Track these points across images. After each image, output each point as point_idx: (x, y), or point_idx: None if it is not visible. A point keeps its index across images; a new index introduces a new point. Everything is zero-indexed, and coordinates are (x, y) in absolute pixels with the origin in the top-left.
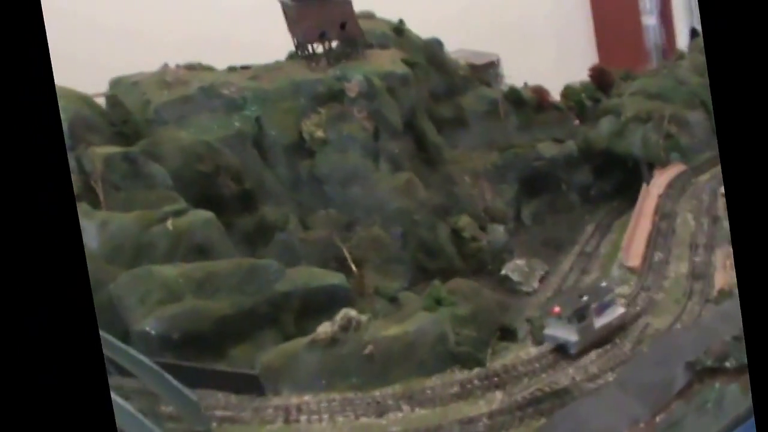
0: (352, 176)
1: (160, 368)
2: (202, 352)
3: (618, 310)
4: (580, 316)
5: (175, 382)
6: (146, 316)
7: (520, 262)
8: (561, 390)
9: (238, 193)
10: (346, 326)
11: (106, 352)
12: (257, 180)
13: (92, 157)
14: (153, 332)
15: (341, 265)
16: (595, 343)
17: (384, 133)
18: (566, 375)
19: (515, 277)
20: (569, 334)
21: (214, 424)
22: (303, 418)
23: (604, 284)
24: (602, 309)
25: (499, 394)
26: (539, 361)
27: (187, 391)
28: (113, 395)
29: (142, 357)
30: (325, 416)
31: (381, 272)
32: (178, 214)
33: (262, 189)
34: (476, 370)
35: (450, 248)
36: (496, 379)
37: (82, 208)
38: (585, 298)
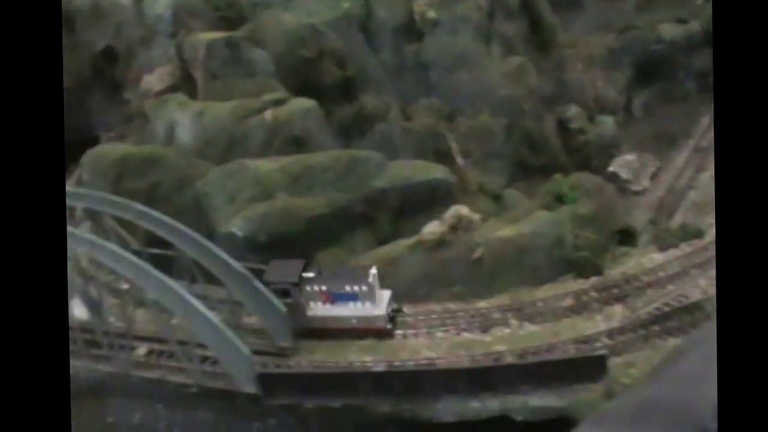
0: (461, 61)
1: (250, 273)
2: (289, 255)
3: (375, 312)
4: (283, 291)
5: (265, 291)
6: (235, 215)
7: (629, 157)
8: (692, 305)
9: (339, 80)
10: (456, 226)
11: (193, 254)
12: (360, 66)
13: (194, 43)
14: (240, 233)
15: (440, 158)
16: (316, 333)
17: (499, 14)
18: (697, 287)
19: (624, 174)
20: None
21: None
22: (398, 332)
23: (371, 280)
24: (341, 298)
25: (619, 308)
26: (665, 270)
27: (276, 301)
28: (197, 303)
29: (230, 260)
30: (423, 330)
31: (480, 167)
32: (278, 103)
33: (364, 76)
34: (593, 280)
35: (555, 141)
36: (615, 290)
37: (177, 98)
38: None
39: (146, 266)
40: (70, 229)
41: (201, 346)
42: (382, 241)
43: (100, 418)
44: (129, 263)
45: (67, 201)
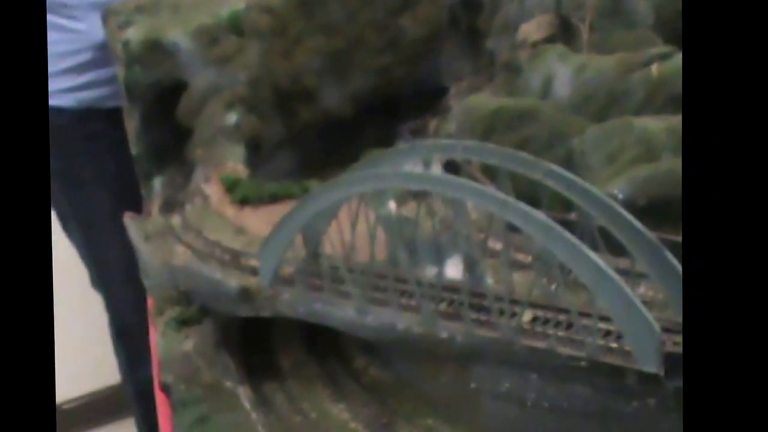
0: None
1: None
2: (666, 221)
3: None
4: None
5: (677, 265)
6: (616, 176)
7: None
8: None
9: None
10: None
11: (600, 219)
12: None
13: None
14: (621, 196)
15: None
16: None
17: None
18: None
19: None
20: None
21: None
22: None
23: None
24: None
25: None
26: None
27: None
28: (612, 273)
29: (645, 230)
30: None
31: None
32: (663, 57)
33: None
34: None
35: None
36: None
37: (557, 49)
38: None
39: (557, 227)
40: (472, 183)
41: (604, 318)
42: None
43: (461, 384)
44: (538, 223)
45: (466, 155)
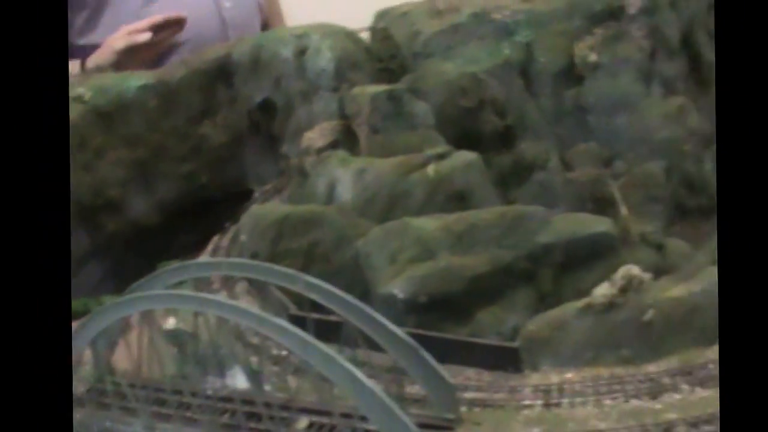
0: (620, 103)
1: (416, 342)
2: (448, 316)
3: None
4: None
5: (432, 361)
6: (396, 276)
7: None
8: None
9: (499, 129)
10: (627, 287)
11: (355, 321)
12: (519, 113)
13: (357, 97)
14: (401, 295)
15: (598, 206)
16: None
17: (660, 53)
18: None
19: None
20: None
21: (464, 408)
22: (564, 400)
23: None
24: None
25: None
26: None
27: (443, 372)
28: (359, 373)
29: (397, 330)
30: (591, 398)
31: (638, 212)
32: (440, 157)
33: (523, 123)
34: None
35: (713, 180)
36: None
37: (339, 155)
38: None
39: (307, 337)
40: (233, 301)
41: (364, 418)
42: (543, 298)
43: None
44: (291, 334)
45: (229, 272)
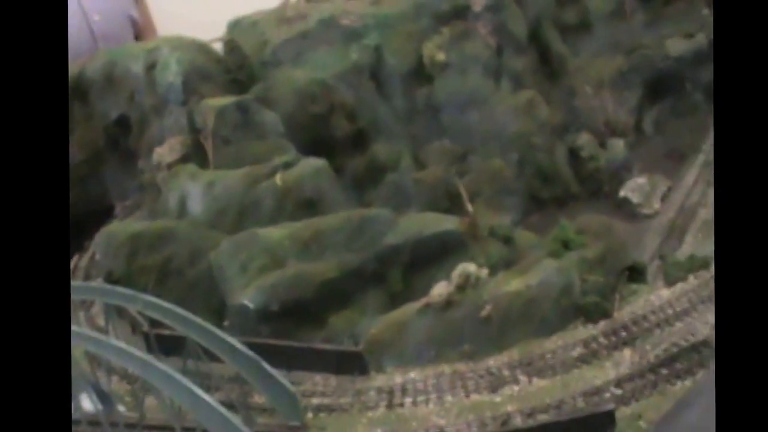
0: (471, 100)
1: (256, 354)
2: (302, 322)
3: None
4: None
5: (272, 371)
6: (246, 286)
7: (640, 180)
8: (699, 343)
9: (350, 133)
10: (464, 285)
11: (197, 337)
12: (371, 115)
13: (204, 110)
14: (252, 305)
15: (452, 203)
16: None
17: (508, 49)
18: (706, 323)
19: (635, 198)
20: None
21: (310, 415)
22: (407, 400)
23: None
24: None
25: (627, 353)
26: (672, 306)
27: (284, 381)
28: (196, 388)
29: (237, 343)
30: (433, 396)
31: (492, 206)
32: (287, 165)
33: (375, 125)
34: (602, 324)
35: (566, 171)
36: (624, 333)
37: (188, 169)
38: None
39: (145, 356)
40: (73, 328)
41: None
42: (394, 299)
43: None
44: (128, 355)
45: (72, 295)
